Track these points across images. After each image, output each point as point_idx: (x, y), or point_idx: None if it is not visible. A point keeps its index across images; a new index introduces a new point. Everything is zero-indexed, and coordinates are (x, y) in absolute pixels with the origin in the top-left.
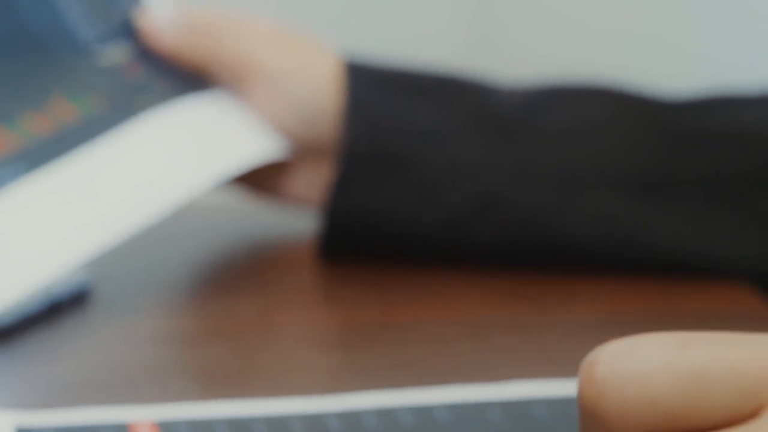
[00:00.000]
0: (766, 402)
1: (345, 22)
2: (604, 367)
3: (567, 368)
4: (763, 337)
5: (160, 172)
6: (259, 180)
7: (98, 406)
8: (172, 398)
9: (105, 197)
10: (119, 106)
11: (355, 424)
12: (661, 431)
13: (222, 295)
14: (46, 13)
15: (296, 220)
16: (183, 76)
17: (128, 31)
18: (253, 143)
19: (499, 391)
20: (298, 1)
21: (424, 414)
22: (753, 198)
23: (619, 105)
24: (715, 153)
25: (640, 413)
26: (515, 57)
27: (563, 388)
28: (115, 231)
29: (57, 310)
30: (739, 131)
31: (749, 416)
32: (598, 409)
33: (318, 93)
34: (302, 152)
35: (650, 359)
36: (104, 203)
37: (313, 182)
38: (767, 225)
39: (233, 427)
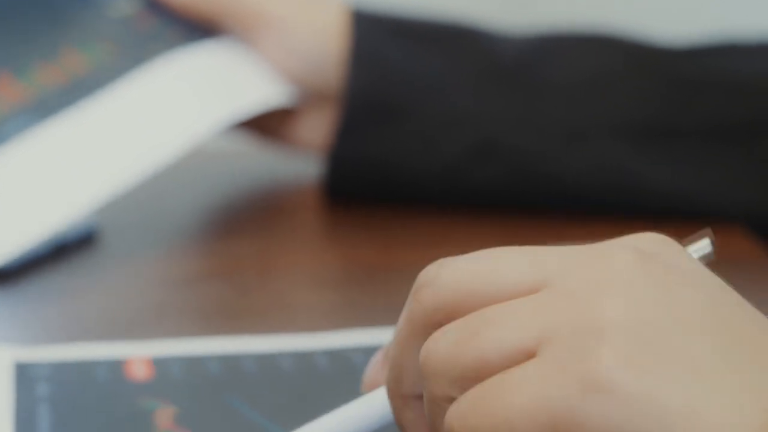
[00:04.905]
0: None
1: None
2: None
3: None
4: None
5: (168, 116)
6: (266, 125)
7: (95, 343)
8: (168, 336)
9: (114, 142)
10: (130, 54)
11: (344, 360)
12: None
13: (225, 237)
14: None
15: (301, 164)
16: (192, 25)
17: None
18: (260, 89)
19: None
20: None
21: None
22: (752, 144)
23: (622, 54)
24: (717, 101)
25: None
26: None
27: None
28: (124, 175)
29: (64, 251)
30: (741, 80)
31: None
32: None
33: (324, 40)
34: (308, 98)
35: None
36: (113, 148)
37: (319, 128)
38: (764, 169)
39: (224, 362)
